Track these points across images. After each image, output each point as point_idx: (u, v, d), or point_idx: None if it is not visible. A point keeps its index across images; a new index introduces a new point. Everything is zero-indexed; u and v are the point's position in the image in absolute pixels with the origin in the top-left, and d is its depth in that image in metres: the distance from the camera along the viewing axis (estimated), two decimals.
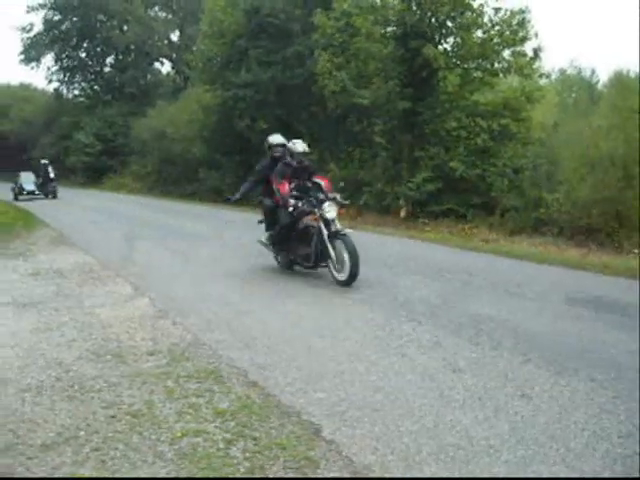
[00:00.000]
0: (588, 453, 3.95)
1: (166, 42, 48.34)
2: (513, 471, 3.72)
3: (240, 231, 16.54)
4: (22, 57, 49.23)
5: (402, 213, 19.74)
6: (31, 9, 47.64)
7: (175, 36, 48.73)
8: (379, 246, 13.89)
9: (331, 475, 3.67)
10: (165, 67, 50.62)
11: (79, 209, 24.82)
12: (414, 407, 4.66)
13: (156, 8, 48.43)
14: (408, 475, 3.69)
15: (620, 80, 26.90)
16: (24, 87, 61.92)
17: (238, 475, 3.67)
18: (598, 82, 46.46)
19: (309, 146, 10.76)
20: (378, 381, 5.19)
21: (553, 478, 3.59)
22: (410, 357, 5.82)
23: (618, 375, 5.33)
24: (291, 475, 3.66)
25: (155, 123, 34.82)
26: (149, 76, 48.98)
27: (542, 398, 4.84)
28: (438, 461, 3.85)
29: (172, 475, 3.68)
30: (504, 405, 4.70)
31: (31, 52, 48.79)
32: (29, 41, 48.76)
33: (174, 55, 47.72)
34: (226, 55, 27.02)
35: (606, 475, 3.70)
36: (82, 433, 4.24)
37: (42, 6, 47.33)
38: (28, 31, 48.52)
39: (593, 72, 49.06)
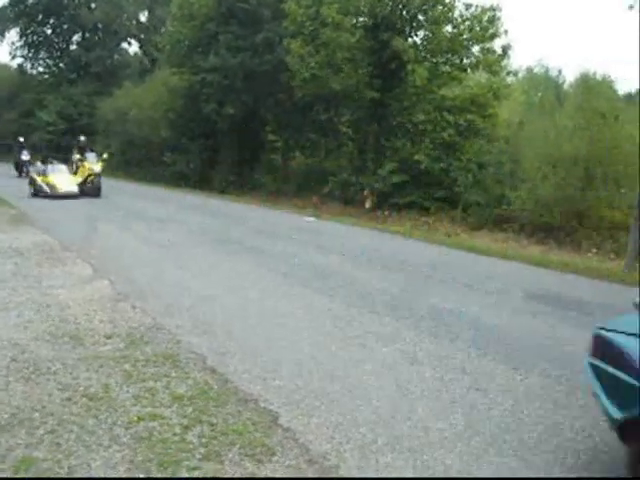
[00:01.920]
0: (540, 446, 4.02)
1: (135, 22, 47.55)
2: (466, 462, 3.77)
3: (204, 216, 16.47)
4: None
5: (367, 204, 19.80)
6: None
7: (144, 16, 48.02)
8: (341, 236, 13.94)
9: (287, 463, 3.68)
10: (133, 48, 49.91)
11: None
12: (371, 397, 4.69)
13: None
14: (364, 463, 3.72)
15: (586, 81, 27.22)
16: None
17: (194, 460, 3.67)
18: (564, 82, 46.98)
19: None
20: (336, 371, 5.21)
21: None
22: (369, 348, 5.86)
23: (573, 371, 5.42)
24: (247, 462, 3.67)
25: (120, 104, 34.37)
26: (116, 56, 48.12)
27: (498, 392, 4.90)
28: (393, 451, 3.88)
29: (127, 459, 3.66)
30: (460, 398, 4.76)
31: None
32: None
33: (142, 36, 47.00)
34: (195, 38, 26.75)
35: (556, 473, 3.76)
36: (37, 415, 4.19)
37: None
38: None
39: (560, 72, 49.60)
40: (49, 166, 21.55)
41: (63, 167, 22.03)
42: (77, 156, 22.68)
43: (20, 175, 28.93)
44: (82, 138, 24.14)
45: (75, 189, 20.40)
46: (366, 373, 5.18)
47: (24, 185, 21.84)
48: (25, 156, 29.52)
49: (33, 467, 3.56)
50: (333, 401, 4.60)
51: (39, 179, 20.55)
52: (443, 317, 7.10)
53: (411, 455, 3.84)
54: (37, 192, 20.16)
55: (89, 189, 20.99)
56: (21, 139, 31.74)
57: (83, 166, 21.63)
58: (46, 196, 19.69)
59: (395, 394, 4.78)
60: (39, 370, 4.98)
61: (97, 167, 21.47)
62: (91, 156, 22.24)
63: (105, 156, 23.17)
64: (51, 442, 3.84)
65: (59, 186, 20.05)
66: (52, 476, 3.49)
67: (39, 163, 22.10)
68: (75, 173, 21.92)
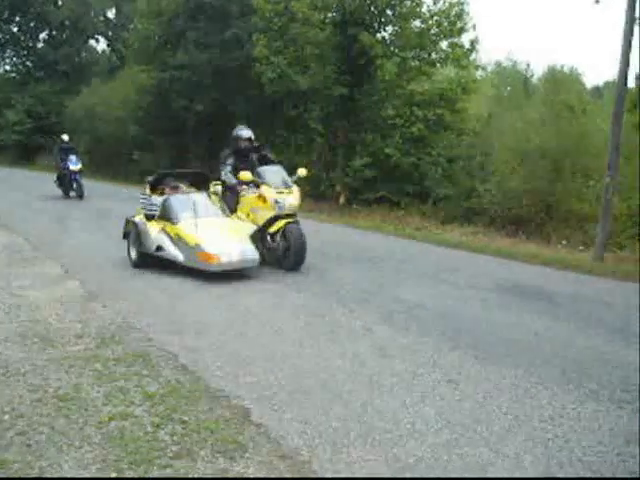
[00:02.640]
0: (511, 436, 4.06)
1: (102, 19, 47.23)
2: (438, 453, 3.80)
3: None
4: None
5: (340, 199, 19.88)
6: None
7: (112, 13, 47.68)
8: (313, 232, 13.95)
9: (259, 459, 3.69)
10: (101, 45, 49.54)
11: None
12: (343, 391, 4.71)
13: None
14: (335, 457, 3.73)
15: (554, 75, 27.53)
16: None
17: (166, 459, 3.66)
18: (533, 76, 47.33)
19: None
20: (308, 366, 5.22)
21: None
22: (340, 343, 5.88)
23: (543, 361, 5.49)
24: (219, 458, 3.67)
25: (89, 102, 34.08)
26: (84, 53, 47.72)
27: (468, 383, 4.95)
28: (365, 444, 3.90)
29: (99, 459, 3.64)
30: (431, 390, 4.79)
31: None
32: None
33: (110, 33, 46.71)
34: (163, 35, 26.62)
35: (527, 461, 3.81)
36: (6, 417, 4.15)
37: None
38: None
39: (528, 66, 49.93)
40: (172, 198, 9.67)
41: (207, 200, 9.90)
42: (244, 174, 9.67)
43: (67, 194, 19.93)
44: (245, 133, 10.84)
45: (253, 256, 8.91)
46: (337, 368, 5.20)
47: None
48: (74, 164, 19.69)
49: (3, 469, 3.53)
50: (305, 396, 4.61)
51: (156, 229, 9.32)
52: (413, 311, 7.15)
53: (382, 448, 3.87)
54: (147, 256, 9.26)
55: (279, 251, 9.42)
56: (65, 137, 21.29)
57: (261, 198, 9.61)
58: (172, 265, 9.01)
59: (366, 388, 4.80)
60: (9, 372, 4.93)
61: (291, 198, 9.56)
62: (274, 173, 9.91)
63: (302, 173, 10.14)
64: (21, 444, 3.81)
65: (215, 250, 8.57)
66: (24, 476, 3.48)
67: (147, 190, 10.47)
68: (234, 211, 10.10)
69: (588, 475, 3.65)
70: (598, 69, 77.69)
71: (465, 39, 20.10)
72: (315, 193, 20.75)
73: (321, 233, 13.36)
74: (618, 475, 3.67)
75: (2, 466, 3.56)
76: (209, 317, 6.68)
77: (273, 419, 4.23)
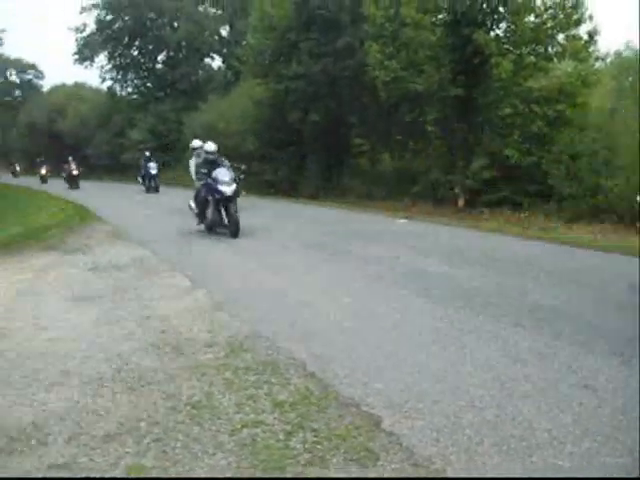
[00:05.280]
0: None
1: (216, 38, 48.63)
2: (578, 463, 3.63)
3: (295, 222, 16.51)
4: (76, 57, 50.25)
5: (460, 202, 19.60)
6: (84, 10, 48.56)
7: (225, 31, 49.03)
8: (434, 236, 13.78)
9: (392, 467, 3.63)
10: (216, 62, 50.95)
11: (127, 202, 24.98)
12: (475, 398, 4.59)
13: (206, 4, 48.64)
14: (470, 465, 3.63)
15: None
16: (79, 86, 62.80)
17: (299, 467, 3.66)
18: None
19: None
20: (438, 372, 5.13)
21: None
22: (470, 348, 5.74)
23: None
24: (353, 467, 3.64)
25: (207, 118, 34.98)
26: (200, 72, 49.19)
27: (606, 389, 4.72)
28: (500, 452, 3.78)
29: (233, 466, 3.68)
30: (567, 396, 4.60)
31: (85, 52, 49.67)
32: (82, 41, 49.65)
33: (224, 50, 47.97)
34: (277, 48, 27.09)
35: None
36: (143, 424, 4.27)
37: (95, 6, 48.13)
38: (82, 31, 49.47)
39: None
40: None
41: None
42: None
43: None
44: None
45: None
46: (468, 374, 5.08)
47: None
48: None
49: (142, 474, 3.63)
50: (436, 403, 4.52)
51: None
52: (544, 314, 6.91)
53: (519, 456, 3.73)
54: None
55: None
56: (212, 146, 16.07)
57: None
58: None
59: (499, 394, 4.66)
60: (143, 380, 5.09)
61: None
62: None
63: None
64: (158, 450, 3.91)
65: None
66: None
67: None
68: None
69: None
70: None
71: (582, 30, 19.49)
72: (434, 197, 20.57)
73: (442, 237, 13.20)
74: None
75: (141, 472, 3.66)
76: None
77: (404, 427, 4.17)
